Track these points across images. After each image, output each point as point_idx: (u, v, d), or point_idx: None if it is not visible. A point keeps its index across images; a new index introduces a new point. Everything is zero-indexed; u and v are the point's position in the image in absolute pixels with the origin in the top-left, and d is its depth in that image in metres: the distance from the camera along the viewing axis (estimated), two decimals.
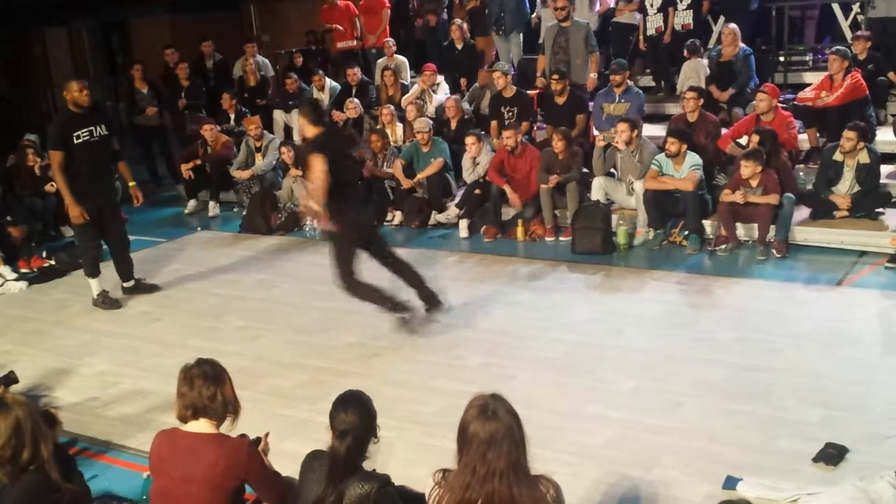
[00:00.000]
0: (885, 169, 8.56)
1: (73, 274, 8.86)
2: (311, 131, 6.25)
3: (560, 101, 9.84)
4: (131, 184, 8.03)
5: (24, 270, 8.89)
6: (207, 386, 3.51)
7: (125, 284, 8.09)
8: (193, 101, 12.44)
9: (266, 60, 13.46)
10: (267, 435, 3.90)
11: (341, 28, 13.02)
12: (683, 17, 10.95)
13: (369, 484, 3.28)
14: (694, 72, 10.31)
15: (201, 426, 3.53)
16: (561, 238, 8.92)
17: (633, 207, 8.83)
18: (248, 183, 10.85)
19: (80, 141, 7.32)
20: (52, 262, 9.00)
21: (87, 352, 6.88)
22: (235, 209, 11.12)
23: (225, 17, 15.62)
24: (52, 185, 10.19)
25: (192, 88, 12.50)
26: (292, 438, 4.83)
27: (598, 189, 8.98)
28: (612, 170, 9.20)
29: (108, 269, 8.01)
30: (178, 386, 3.56)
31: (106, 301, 7.82)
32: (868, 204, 8.12)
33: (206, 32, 13.69)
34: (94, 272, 7.82)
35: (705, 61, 10.42)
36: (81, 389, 6.17)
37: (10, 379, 5.73)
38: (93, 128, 7.38)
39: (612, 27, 11.56)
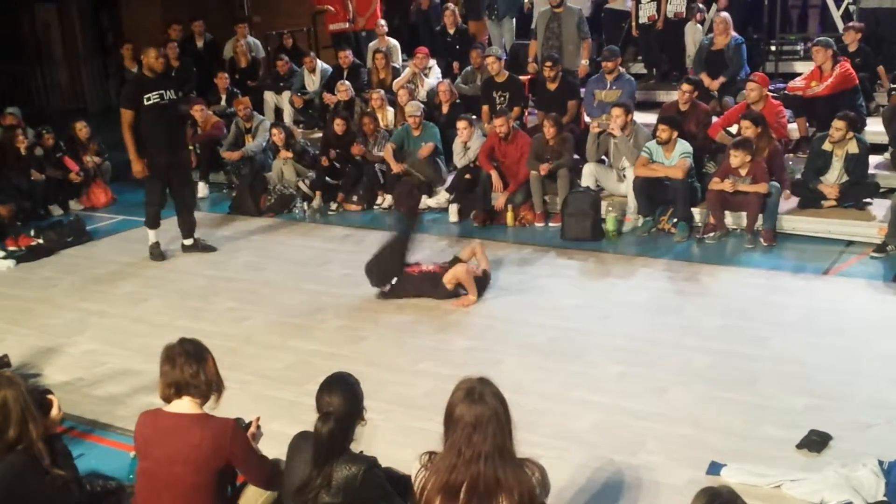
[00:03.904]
0: (873, 159, 8.58)
1: (60, 253, 8.87)
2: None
3: (552, 87, 9.83)
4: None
5: (11, 249, 8.85)
6: (190, 364, 3.51)
7: (185, 242, 8.68)
8: (183, 81, 12.35)
9: (257, 41, 13.38)
10: (258, 419, 3.88)
11: (333, 10, 12.90)
12: (677, 6, 10.97)
13: (356, 466, 3.30)
14: (692, 37, 10.91)
15: (185, 406, 3.52)
16: (550, 224, 8.93)
17: (623, 194, 8.84)
18: (238, 164, 10.81)
19: (150, 103, 7.99)
20: (40, 241, 8.95)
21: (74, 331, 6.87)
22: (225, 190, 11.08)
23: None
24: (38, 173, 10.23)
25: (181, 68, 12.41)
26: (279, 420, 4.84)
27: (589, 175, 8.99)
28: (603, 157, 9.20)
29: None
30: (161, 365, 3.56)
31: (154, 253, 8.52)
32: (856, 194, 8.14)
33: (196, 12, 13.57)
34: (153, 224, 8.51)
35: (700, 27, 10.96)
36: (68, 368, 6.16)
37: (3, 363, 5.75)
38: (163, 91, 8.06)
39: (605, 14, 11.55)
